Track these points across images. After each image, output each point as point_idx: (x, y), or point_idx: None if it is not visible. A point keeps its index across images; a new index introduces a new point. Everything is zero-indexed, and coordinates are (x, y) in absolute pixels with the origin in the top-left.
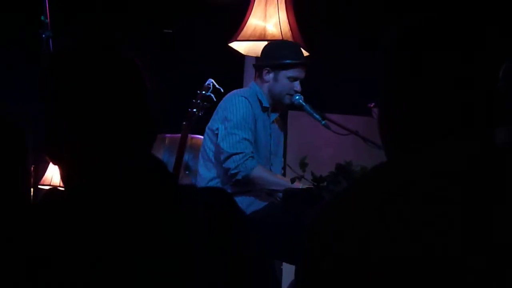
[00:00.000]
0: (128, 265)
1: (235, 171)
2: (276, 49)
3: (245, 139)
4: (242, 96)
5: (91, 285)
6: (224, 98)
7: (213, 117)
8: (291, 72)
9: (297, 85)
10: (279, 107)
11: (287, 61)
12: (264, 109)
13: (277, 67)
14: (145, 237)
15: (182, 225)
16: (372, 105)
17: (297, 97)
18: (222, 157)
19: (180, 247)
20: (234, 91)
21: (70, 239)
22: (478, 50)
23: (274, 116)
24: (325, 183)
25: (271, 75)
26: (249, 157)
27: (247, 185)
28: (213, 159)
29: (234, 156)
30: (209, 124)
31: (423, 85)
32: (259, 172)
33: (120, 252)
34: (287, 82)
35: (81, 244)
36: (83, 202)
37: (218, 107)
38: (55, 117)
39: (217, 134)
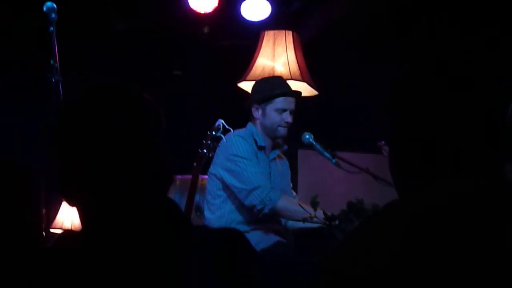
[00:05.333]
0: None
1: (261, 206)
2: (259, 85)
3: (259, 173)
4: (238, 136)
5: None
6: (221, 142)
7: (214, 160)
8: (277, 104)
9: (286, 116)
10: (277, 142)
11: (269, 93)
12: (260, 148)
13: (262, 102)
14: (157, 280)
15: (195, 266)
16: (382, 143)
17: (307, 136)
18: (241, 196)
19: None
20: (230, 132)
21: (78, 283)
22: (480, 88)
23: (274, 154)
24: (337, 222)
25: (260, 111)
26: (269, 189)
27: (273, 218)
28: (215, 202)
29: (254, 192)
30: (210, 169)
31: (425, 121)
32: (285, 202)
33: None
34: (276, 114)
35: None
36: (95, 247)
37: (217, 151)
38: (68, 163)
39: (218, 178)
